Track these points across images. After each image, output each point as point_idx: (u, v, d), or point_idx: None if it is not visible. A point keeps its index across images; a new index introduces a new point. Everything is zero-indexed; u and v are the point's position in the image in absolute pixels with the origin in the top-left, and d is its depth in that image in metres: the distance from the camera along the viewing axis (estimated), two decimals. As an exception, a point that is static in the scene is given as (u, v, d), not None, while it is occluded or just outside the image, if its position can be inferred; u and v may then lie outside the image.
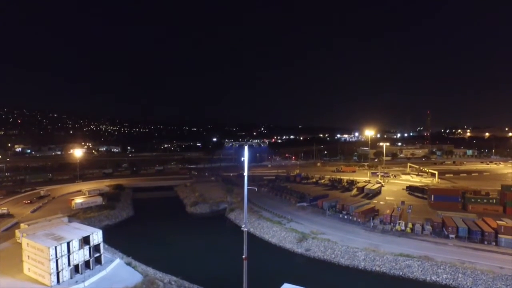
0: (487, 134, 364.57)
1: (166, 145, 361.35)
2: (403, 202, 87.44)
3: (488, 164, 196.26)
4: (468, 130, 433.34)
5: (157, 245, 73.97)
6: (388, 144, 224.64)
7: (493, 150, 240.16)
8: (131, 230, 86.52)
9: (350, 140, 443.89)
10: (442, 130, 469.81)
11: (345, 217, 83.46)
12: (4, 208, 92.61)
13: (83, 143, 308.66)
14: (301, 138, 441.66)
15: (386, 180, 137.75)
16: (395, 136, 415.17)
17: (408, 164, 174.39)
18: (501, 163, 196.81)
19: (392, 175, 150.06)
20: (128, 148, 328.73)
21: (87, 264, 51.64)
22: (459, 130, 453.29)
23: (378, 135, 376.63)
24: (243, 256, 38.47)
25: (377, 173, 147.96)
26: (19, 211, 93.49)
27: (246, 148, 37.10)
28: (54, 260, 47.05)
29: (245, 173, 37.04)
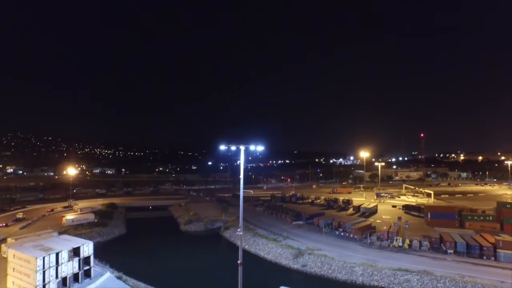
0: (480, 157, 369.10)
1: (160, 168, 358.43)
2: (399, 218, 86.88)
3: (483, 185, 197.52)
4: (462, 155, 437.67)
5: (149, 261, 71.56)
6: (383, 164, 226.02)
7: (487, 173, 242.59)
8: (123, 247, 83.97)
9: (345, 163, 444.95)
10: (436, 155, 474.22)
11: (342, 234, 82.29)
12: (20, 213, 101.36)
13: (76, 165, 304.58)
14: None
15: (383, 200, 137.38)
16: (390, 160, 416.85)
17: (404, 185, 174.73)
18: (496, 185, 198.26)
19: (395, 195, 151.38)
20: (123, 170, 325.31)
21: (75, 277, 49.56)
22: (453, 155, 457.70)
23: (373, 159, 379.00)
24: (238, 262, 37.48)
25: (382, 194, 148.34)
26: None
27: (242, 149, 37.42)
28: (41, 272, 45.03)
29: (241, 175, 37.04)
